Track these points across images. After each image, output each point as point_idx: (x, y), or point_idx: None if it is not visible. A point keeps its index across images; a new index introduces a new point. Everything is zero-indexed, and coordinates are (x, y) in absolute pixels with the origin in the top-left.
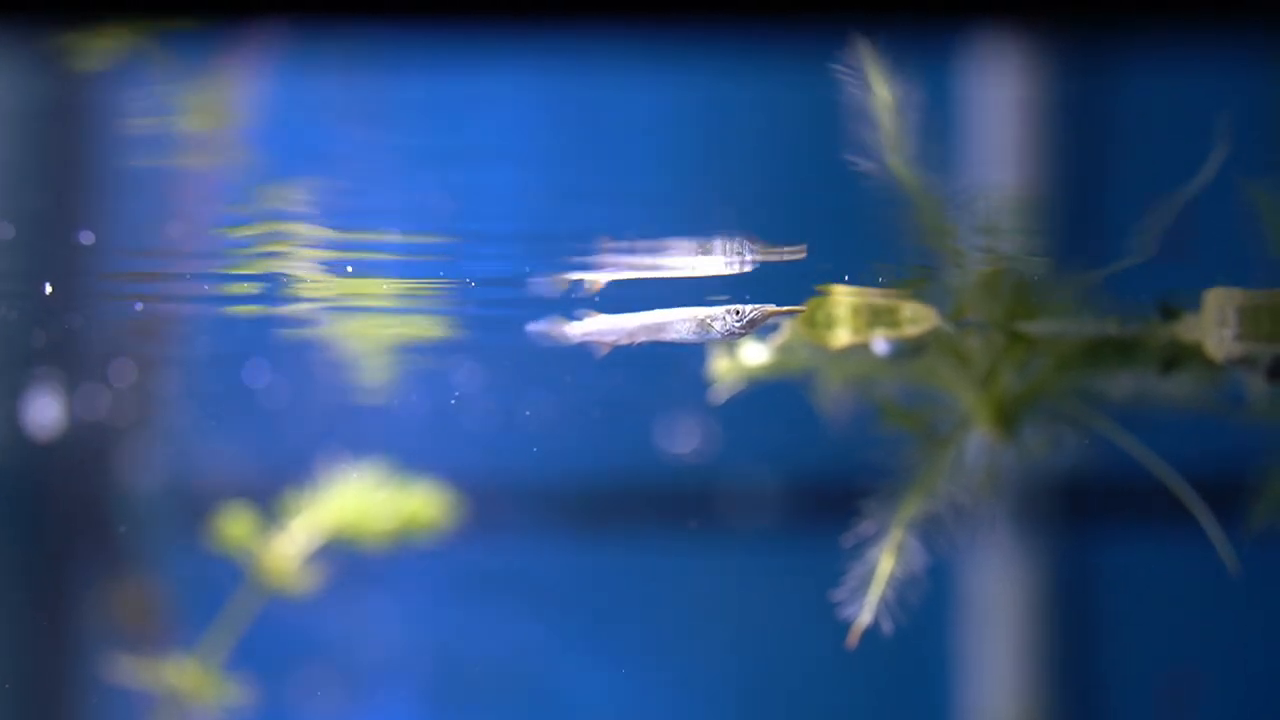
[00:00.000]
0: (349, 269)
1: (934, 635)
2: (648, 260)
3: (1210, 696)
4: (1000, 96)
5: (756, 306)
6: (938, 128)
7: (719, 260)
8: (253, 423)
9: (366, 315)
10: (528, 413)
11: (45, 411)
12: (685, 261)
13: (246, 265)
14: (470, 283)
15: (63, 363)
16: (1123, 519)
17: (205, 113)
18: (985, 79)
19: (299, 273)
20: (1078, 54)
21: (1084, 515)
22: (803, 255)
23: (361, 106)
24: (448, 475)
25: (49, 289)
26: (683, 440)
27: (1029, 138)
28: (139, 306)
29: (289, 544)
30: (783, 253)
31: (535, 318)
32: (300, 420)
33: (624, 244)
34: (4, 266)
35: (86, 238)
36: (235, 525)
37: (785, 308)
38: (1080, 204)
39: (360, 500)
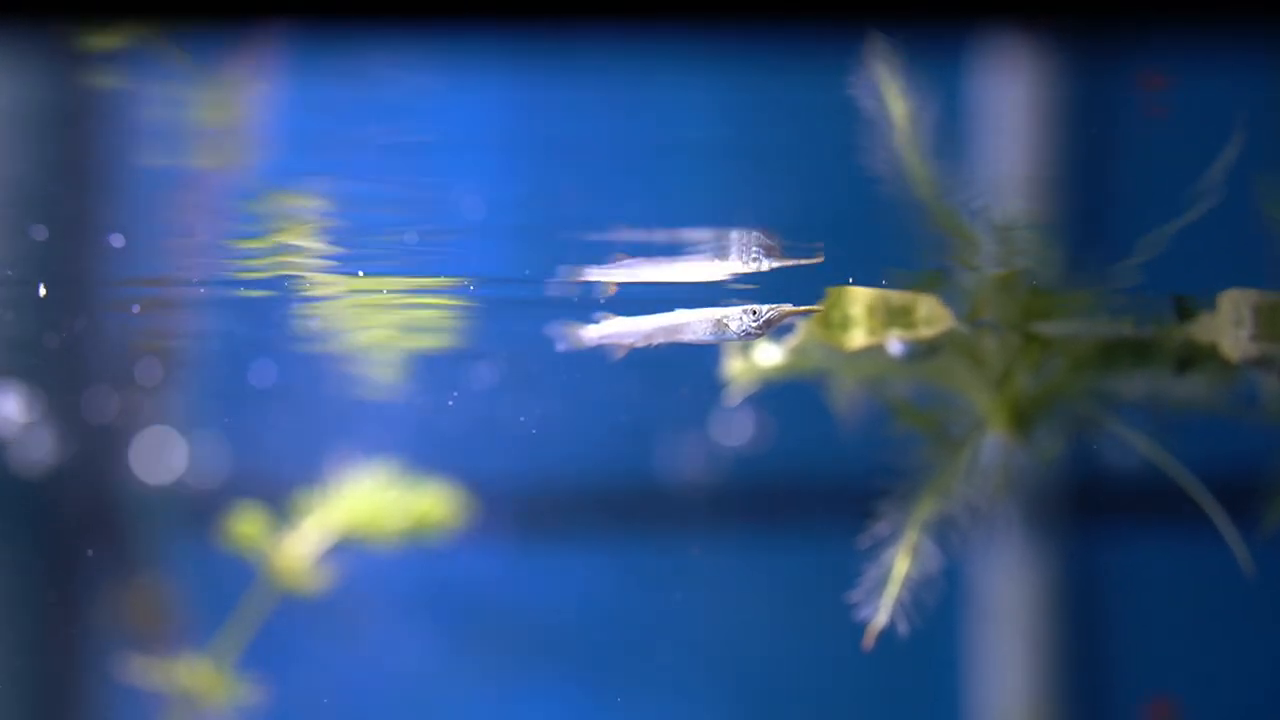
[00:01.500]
0: (360, 272)
1: (946, 634)
2: (662, 265)
3: (1223, 697)
4: (1014, 98)
5: (773, 306)
6: (951, 129)
7: (734, 264)
8: (263, 423)
9: (376, 316)
10: (522, 418)
11: (53, 413)
12: (700, 266)
13: (255, 269)
14: (469, 284)
15: (73, 364)
16: (1137, 519)
17: (215, 113)
18: (999, 81)
19: (308, 274)
20: (1091, 55)
21: (1097, 515)
22: (819, 259)
23: (371, 107)
24: (458, 475)
25: (43, 291)
26: (698, 440)
27: (1043, 139)
28: (136, 309)
29: (300, 543)
30: (800, 260)
31: (548, 319)
32: (310, 420)
33: (640, 233)
34: (18, 267)
35: (117, 240)
36: (247, 525)
37: (802, 307)
38: (1094, 204)
39: (371, 500)
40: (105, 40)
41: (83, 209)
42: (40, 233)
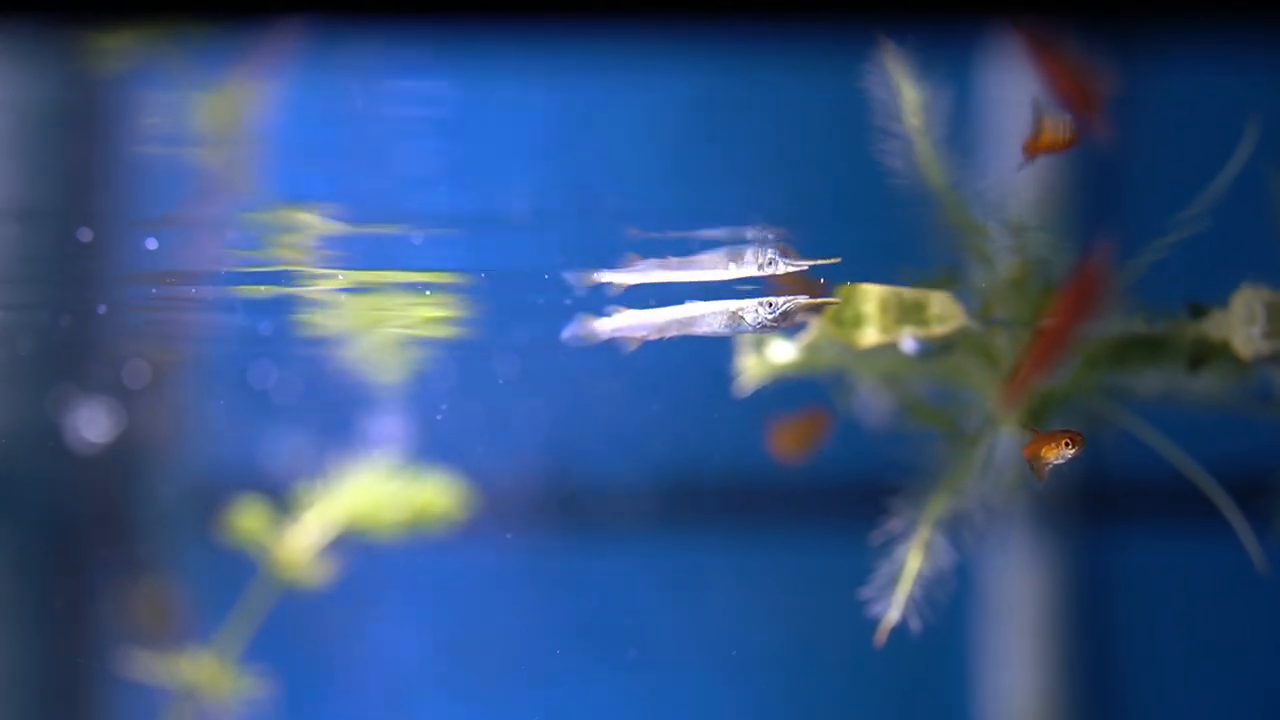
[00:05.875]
0: (340, 275)
1: (957, 632)
2: (675, 267)
3: (1233, 696)
4: (1027, 94)
5: (789, 299)
6: (965, 126)
7: (750, 268)
8: (265, 417)
9: (381, 312)
10: (503, 389)
11: (59, 413)
12: (715, 271)
13: (259, 264)
14: (482, 275)
15: (75, 364)
16: (1150, 517)
17: (221, 114)
18: (1013, 77)
19: (313, 270)
20: (1105, 51)
21: (1110, 513)
22: (836, 260)
23: (378, 105)
24: (462, 469)
25: None
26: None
27: None
28: (103, 309)
29: (303, 536)
30: (815, 261)
31: (562, 314)
32: (312, 413)
33: (652, 234)
34: (17, 270)
35: (84, 235)
36: (249, 519)
37: (819, 299)
38: (1108, 201)
39: (373, 491)
40: (111, 41)
41: (87, 208)
42: (85, 234)
